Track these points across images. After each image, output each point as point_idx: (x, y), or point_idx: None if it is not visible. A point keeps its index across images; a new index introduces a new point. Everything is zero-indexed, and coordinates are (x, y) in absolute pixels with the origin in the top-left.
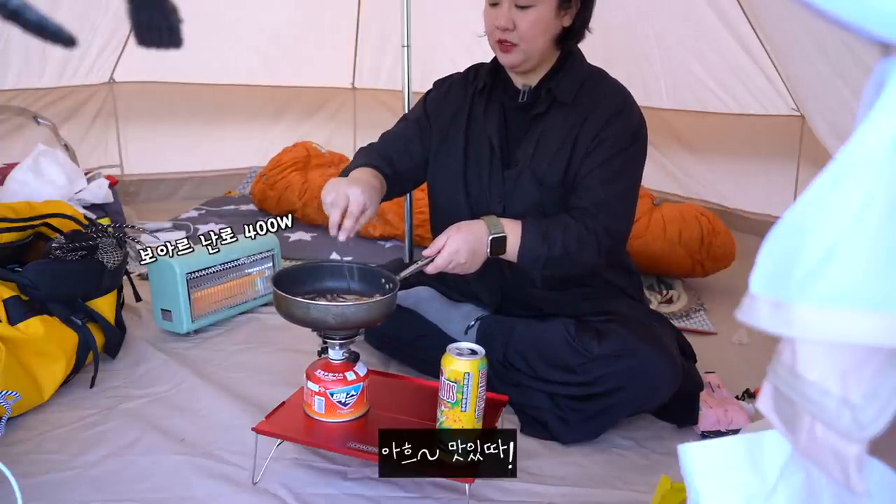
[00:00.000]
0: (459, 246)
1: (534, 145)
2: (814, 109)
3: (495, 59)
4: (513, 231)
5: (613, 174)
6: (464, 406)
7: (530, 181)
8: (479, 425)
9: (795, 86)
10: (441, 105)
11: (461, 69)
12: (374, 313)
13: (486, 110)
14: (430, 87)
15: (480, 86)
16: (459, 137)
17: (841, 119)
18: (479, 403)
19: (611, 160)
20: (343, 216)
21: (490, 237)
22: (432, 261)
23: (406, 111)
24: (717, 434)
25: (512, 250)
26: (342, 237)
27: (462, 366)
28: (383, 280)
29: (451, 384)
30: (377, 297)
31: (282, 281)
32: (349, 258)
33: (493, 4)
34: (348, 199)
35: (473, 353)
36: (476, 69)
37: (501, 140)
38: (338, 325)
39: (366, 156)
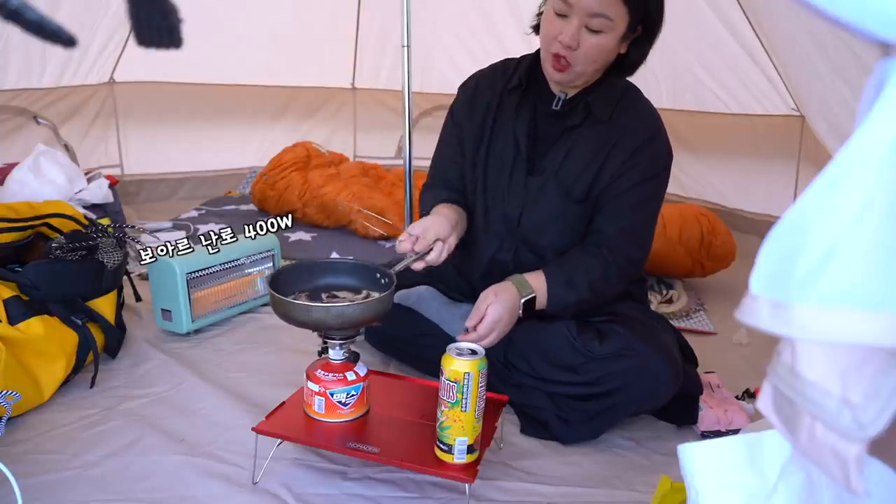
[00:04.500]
0: (501, 314)
1: (563, 156)
2: (814, 109)
3: (535, 57)
4: (539, 286)
5: (642, 199)
6: (464, 406)
7: (555, 191)
8: (479, 425)
9: (795, 86)
10: (469, 109)
11: (461, 69)
12: (373, 311)
13: (518, 110)
14: (430, 87)
15: (515, 83)
16: (486, 132)
17: (841, 119)
18: (479, 403)
19: (641, 185)
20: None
21: (523, 300)
22: (475, 329)
23: (406, 111)
24: (717, 434)
25: (541, 302)
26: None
27: (462, 366)
28: (378, 275)
29: (451, 384)
30: (375, 295)
31: (276, 282)
32: (350, 257)
33: (561, 16)
34: (423, 228)
35: (473, 353)
36: (515, 64)
37: (529, 144)
38: (336, 325)
39: (433, 195)
